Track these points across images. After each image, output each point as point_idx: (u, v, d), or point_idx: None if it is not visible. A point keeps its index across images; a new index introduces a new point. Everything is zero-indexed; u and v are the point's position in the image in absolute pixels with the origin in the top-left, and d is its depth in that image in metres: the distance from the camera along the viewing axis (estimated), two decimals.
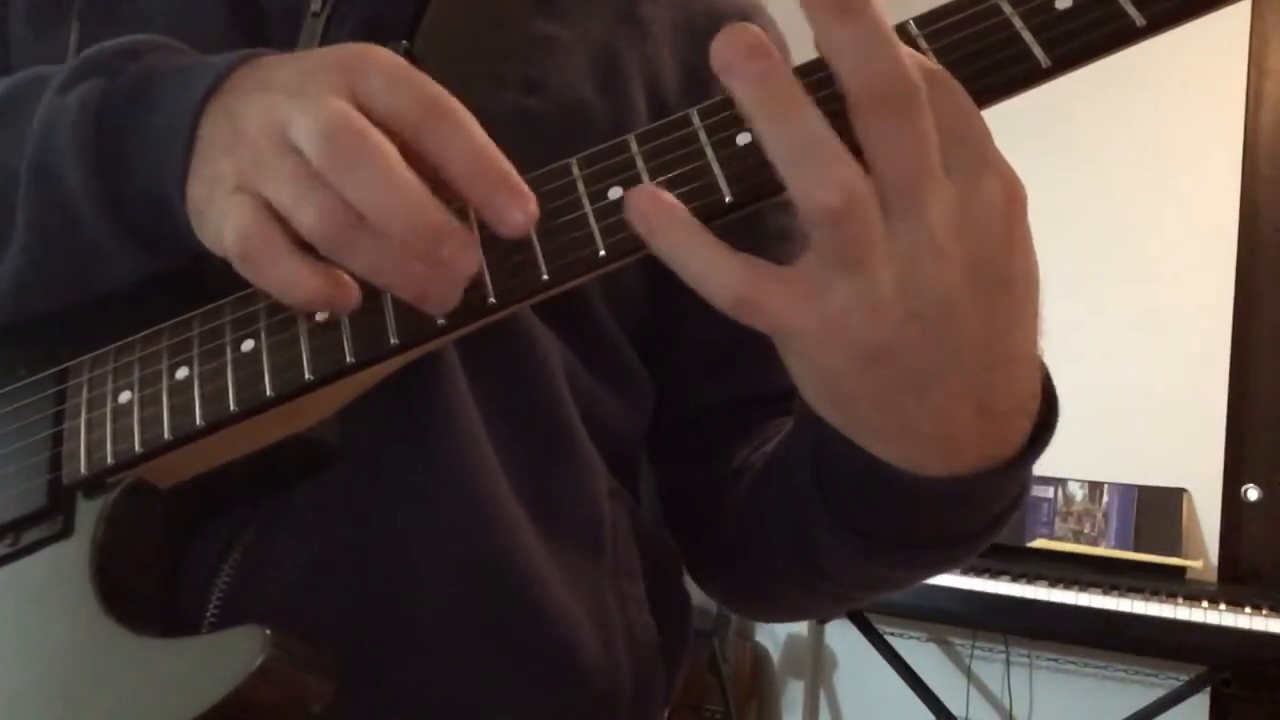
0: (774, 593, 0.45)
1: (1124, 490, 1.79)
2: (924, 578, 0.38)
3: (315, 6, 0.38)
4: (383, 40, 0.35)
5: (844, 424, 0.31)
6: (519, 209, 0.27)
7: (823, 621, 1.95)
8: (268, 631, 0.28)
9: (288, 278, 0.28)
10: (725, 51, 0.25)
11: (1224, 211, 1.84)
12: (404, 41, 0.36)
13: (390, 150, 0.27)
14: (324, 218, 0.27)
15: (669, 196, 0.27)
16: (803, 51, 0.28)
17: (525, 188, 0.28)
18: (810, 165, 0.25)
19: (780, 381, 0.41)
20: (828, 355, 0.27)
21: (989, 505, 0.33)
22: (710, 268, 0.26)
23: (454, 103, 0.28)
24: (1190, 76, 1.82)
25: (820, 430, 0.32)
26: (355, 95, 0.28)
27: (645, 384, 0.45)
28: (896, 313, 0.26)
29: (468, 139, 0.28)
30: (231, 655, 0.28)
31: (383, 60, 0.29)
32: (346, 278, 0.28)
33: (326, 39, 0.38)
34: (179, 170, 0.30)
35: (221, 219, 0.28)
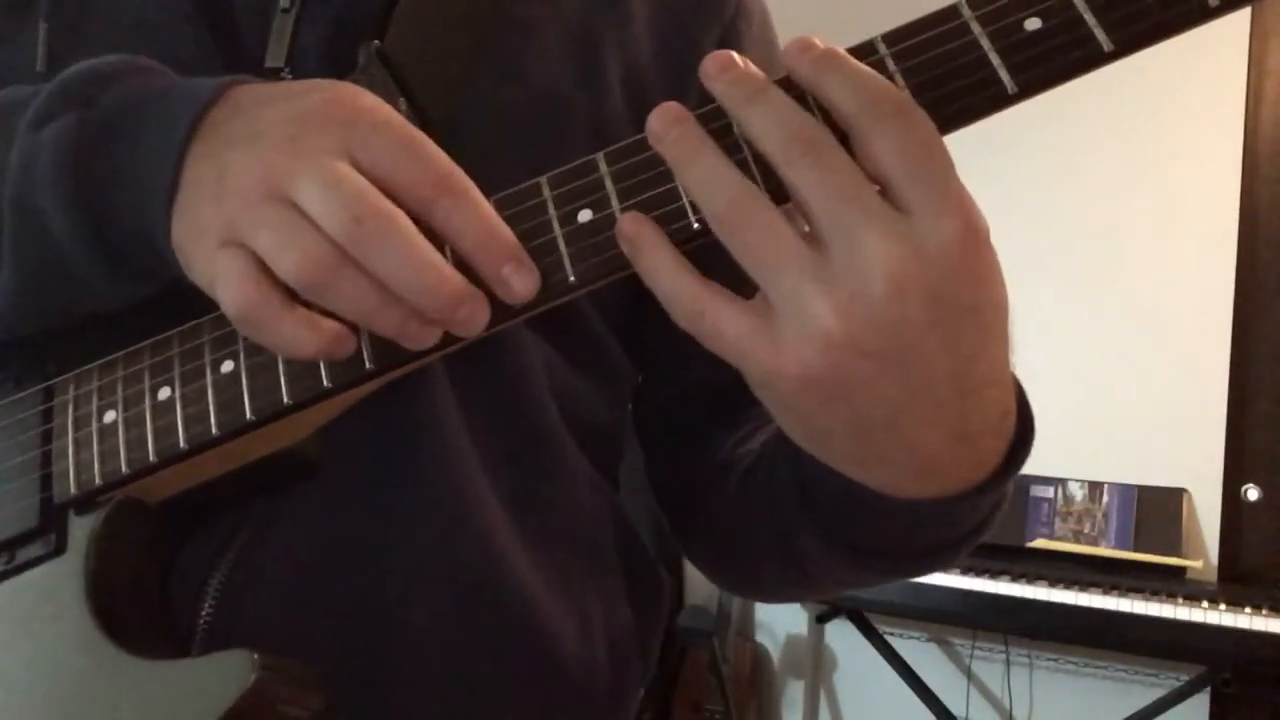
0: (756, 579, 0.46)
1: (1124, 490, 1.79)
2: (905, 578, 0.39)
3: (284, 3, 0.38)
4: (354, 39, 0.34)
5: (821, 455, 0.31)
6: (522, 279, 0.29)
7: (821, 620, 1.96)
8: (255, 655, 0.29)
9: (288, 339, 0.28)
10: (651, 124, 0.29)
11: (1224, 211, 1.83)
12: (376, 41, 0.35)
13: (411, 227, 0.27)
14: (308, 264, 0.27)
15: (649, 221, 0.29)
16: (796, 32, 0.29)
17: (529, 261, 0.29)
18: (698, 185, 0.28)
19: None
20: (789, 389, 0.28)
21: (967, 520, 0.34)
22: (671, 285, 0.28)
23: (463, 178, 0.29)
24: (1190, 76, 1.81)
25: (801, 451, 0.33)
26: (353, 155, 0.28)
27: (626, 373, 0.46)
28: (848, 347, 0.26)
29: (477, 217, 0.28)
30: (222, 678, 0.28)
31: (380, 119, 0.29)
32: (342, 329, 0.28)
33: (296, 37, 0.38)
34: (163, 212, 0.30)
35: (214, 276, 0.28)
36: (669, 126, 0.28)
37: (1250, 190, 1.83)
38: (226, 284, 0.28)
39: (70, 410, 0.34)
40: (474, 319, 0.28)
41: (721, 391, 0.45)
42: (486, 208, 0.29)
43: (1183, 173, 1.85)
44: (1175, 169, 1.86)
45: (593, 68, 0.42)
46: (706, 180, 0.28)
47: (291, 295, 0.28)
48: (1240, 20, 1.83)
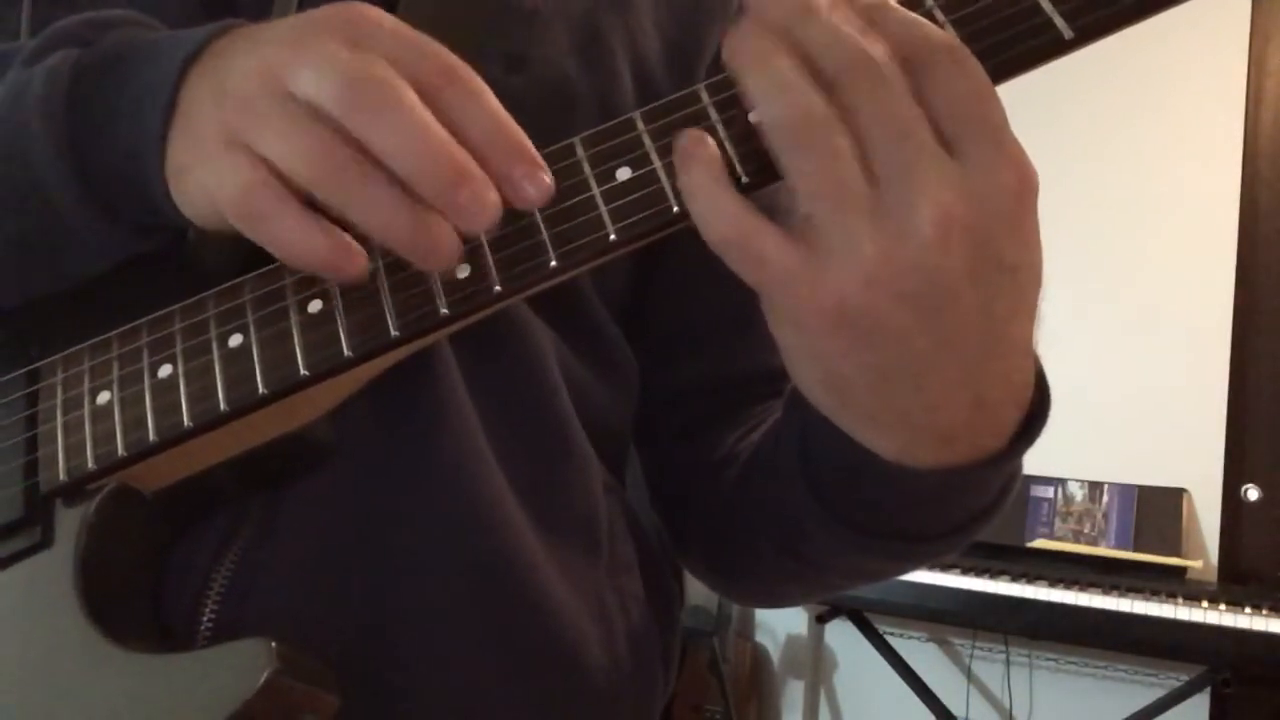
0: (760, 580, 0.44)
1: (1124, 490, 1.79)
2: (912, 569, 0.38)
3: None
4: None
5: (834, 409, 0.30)
6: (535, 182, 0.27)
7: (821, 620, 1.95)
8: (273, 644, 0.27)
9: (294, 234, 0.26)
10: (726, 43, 0.26)
11: (1224, 211, 1.83)
12: None
13: (412, 95, 0.26)
14: (318, 156, 0.25)
15: (710, 141, 0.27)
16: None
17: (541, 161, 0.27)
18: (773, 91, 0.26)
19: (765, 363, 0.40)
20: (818, 326, 0.26)
21: (978, 497, 0.33)
22: (709, 201, 0.26)
23: (470, 70, 0.27)
24: (1190, 76, 1.82)
25: (809, 422, 0.31)
26: (356, 49, 0.26)
27: (633, 371, 0.45)
28: (888, 290, 0.25)
29: (486, 109, 0.27)
30: (236, 670, 0.26)
31: (386, 21, 0.27)
32: (353, 241, 0.27)
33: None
34: (157, 136, 0.28)
35: (216, 177, 0.27)
36: (739, 39, 0.26)
37: (1250, 190, 1.84)
38: (226, 179, 0.26)
39: (59, 392, 0.31)
40: (480, 203, 0.26)
41: (724, 386, 0.44)
42: (498, 105, 0.27)
43: (1183, 173, 1.86)
44: (1175, 169, 1.86)
45: (600, 56, 0.41)
46: (781, 86, 0.25)
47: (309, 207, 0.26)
48: (1240, 20, 1.83)
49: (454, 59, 0.27)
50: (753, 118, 0.27)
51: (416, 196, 0.26)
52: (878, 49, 0.25)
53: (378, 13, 0.28)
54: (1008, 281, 0.26)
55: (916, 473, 0.30)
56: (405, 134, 0.25)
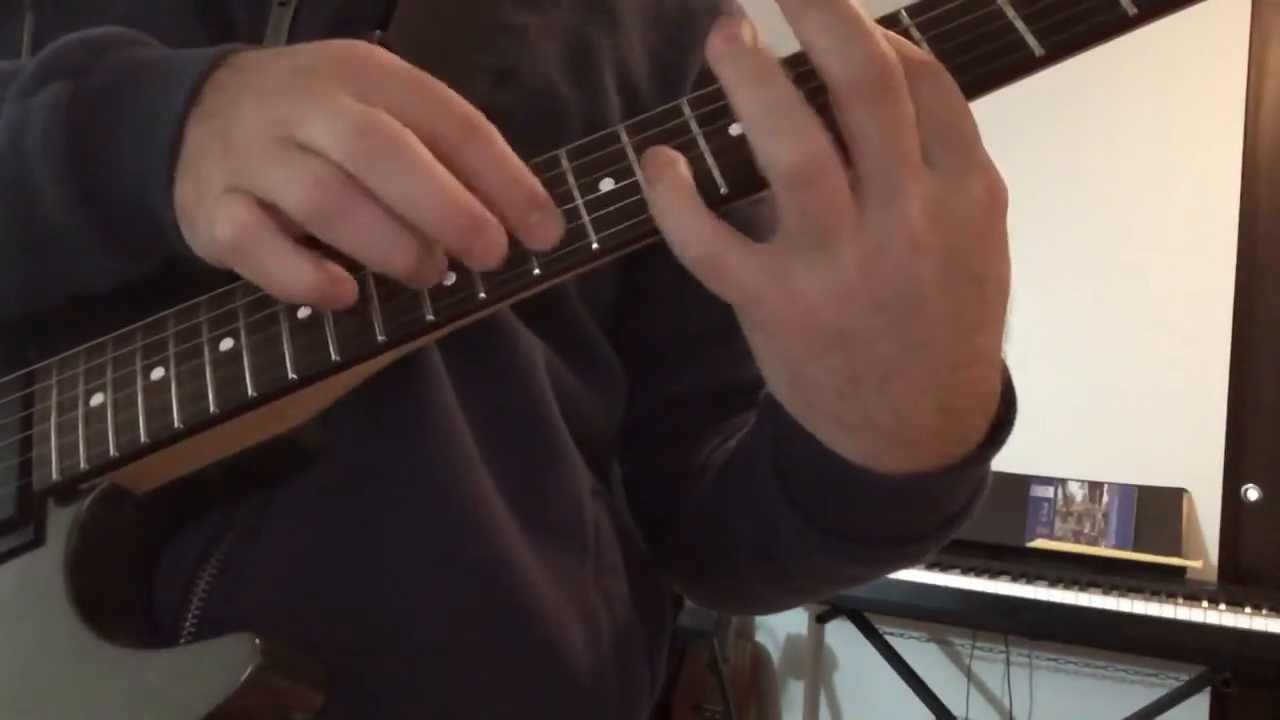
0: (735, 585, 0.45)
1: (1124, 490, 1.79)
2: (880, 574, 0.38)
3: None
4: (356, 31, 0.34)
5: (801, 410, 0.30)
6: (550, 229, 0.28)
7: (821, 620, 1.95)
8: (257, 640, 0.27)
9: (284, 269, 0.27)
10: (714, 40, 0.26)
11: (1224, 211, 1.83)
12: (377, 32, 0.34)
13: (421, 147, 0.26)
14: (314, 189, 0.26)
15: (682, 158, 0.27)
16: (783, 48, 0.28)
17: (554, 206, 0.28)
18: (775, 127, 0.25)
19: (748, 375, 0.40)
20: (791, 335, 0.27)
21: (944, 503, 0.33)
22: (682, 221, 0.27)
23: (486, 122, 0.28)
24: (1190, 76, 1.82)
25: (783, 424, 0.32)
26: (365, 99, 0.27)
27: (620, 379, 0.45)
28: (863, 300, 0.26)
29: (502, 159, 0.27)
30: (220, 665, 0.27)
31: (390, 64, 0.28)
32: (343, 272, 0.27)
33: (295, 29, 0.37)
34: (163, 178, 0.29)
35: (212, 218, 0.27)
36: (730, 42, 0.25)
37: (1250, 190, 1.84)
38: (223, 216, 0.27)
39: (54, 394, 0.32)
40: (492, 249, 0.27)
41: (705, 398, 0.45)
42: (511, 152, 0.28)
43: (1183, 173, 1.86)
44: (1175, 169, 1.86)
45: (587, 72, 0.41)
46: (780, 116, 0.25)
47: (304, 242, 0.27)
48: (1240, 20, 1.83)
49: (469, 108, 0.27)
50: (734, 130, 0.27)
51: (412, 225, 0.26)
52: (890, 58, 0.25)
53: (381, 55, 0.28)
54: (975, 292, 0.27)
55: (883, 477, 0.30)
56: (416, 182, 0.26)
